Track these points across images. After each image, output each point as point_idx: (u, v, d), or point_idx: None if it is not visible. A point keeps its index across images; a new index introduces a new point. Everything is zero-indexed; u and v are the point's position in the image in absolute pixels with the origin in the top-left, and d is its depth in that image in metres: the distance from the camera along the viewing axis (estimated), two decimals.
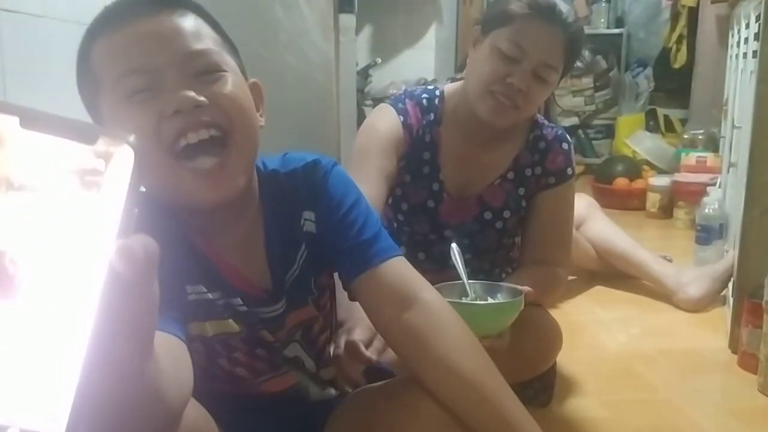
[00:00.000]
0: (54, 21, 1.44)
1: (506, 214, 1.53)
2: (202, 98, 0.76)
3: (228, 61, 0.82)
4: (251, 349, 0.88)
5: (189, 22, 0.81)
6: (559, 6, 1.40)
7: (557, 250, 1.53)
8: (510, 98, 1.39)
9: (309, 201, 0.91)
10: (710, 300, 2.17)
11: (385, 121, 1.48)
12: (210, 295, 0.83)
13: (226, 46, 0.84)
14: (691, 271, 2.27)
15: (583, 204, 2.37)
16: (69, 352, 0.36)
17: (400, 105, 1.51)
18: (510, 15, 1.38)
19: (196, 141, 0.76)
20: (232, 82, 0.80)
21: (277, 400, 0.92)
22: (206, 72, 0.78)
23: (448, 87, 1.55)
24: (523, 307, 1.21)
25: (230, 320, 0.85)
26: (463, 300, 1.25)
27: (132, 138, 0.37)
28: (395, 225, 1.55)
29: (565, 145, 1.55)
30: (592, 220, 2.34)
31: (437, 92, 1.55)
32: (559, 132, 1.57)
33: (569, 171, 1.54)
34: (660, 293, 2.25)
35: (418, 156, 1.50)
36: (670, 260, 2.42)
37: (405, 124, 1.47)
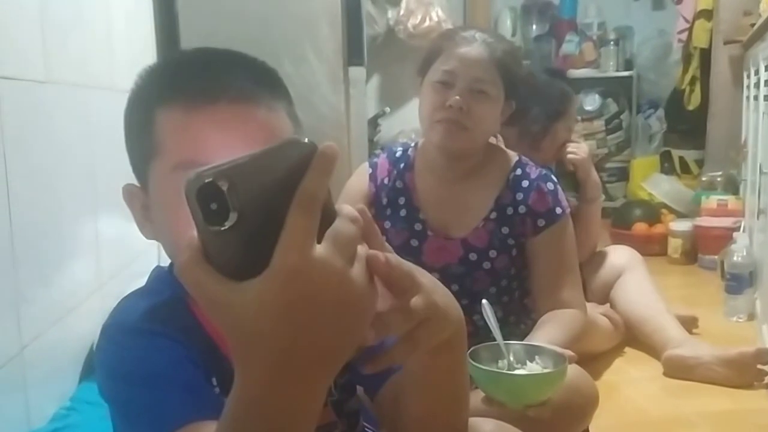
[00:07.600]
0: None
1: (492, 253, 1.55)
2: None
3: None
4: None
5: (277, 119, 0.73)
6: (478, 32, 1.55)
7: (568, 292, 1.53)
8: (454, 121, 1.48)
9: None
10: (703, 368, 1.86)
11: (354, 178, 1.67)
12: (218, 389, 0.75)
13: (297, 129, 0.77)
14: (708, 348, 1.93)
15: (625, 258, 2.21)
16: None
17: (375, 160, 1.68)
18: (435, 51, 1.55)
19: None
20: None
21: None
22: None
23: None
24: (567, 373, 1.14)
25: None
26: (504, 368, 1.17)
27: None
28: None
29: (550, 185, 1.56)
30: (623, 283, 2.11)
31: (412, 144, 1.67)
32: (543, 172, 1.59)
33: (558, 210, 1.55)
34: None
35: (392, 202, 1.61)
36: (696, 319, 2.26)
37: (371, 176, 1.63)
